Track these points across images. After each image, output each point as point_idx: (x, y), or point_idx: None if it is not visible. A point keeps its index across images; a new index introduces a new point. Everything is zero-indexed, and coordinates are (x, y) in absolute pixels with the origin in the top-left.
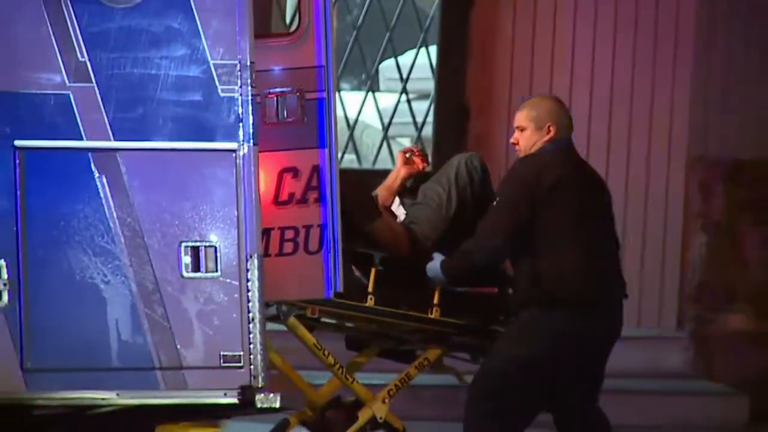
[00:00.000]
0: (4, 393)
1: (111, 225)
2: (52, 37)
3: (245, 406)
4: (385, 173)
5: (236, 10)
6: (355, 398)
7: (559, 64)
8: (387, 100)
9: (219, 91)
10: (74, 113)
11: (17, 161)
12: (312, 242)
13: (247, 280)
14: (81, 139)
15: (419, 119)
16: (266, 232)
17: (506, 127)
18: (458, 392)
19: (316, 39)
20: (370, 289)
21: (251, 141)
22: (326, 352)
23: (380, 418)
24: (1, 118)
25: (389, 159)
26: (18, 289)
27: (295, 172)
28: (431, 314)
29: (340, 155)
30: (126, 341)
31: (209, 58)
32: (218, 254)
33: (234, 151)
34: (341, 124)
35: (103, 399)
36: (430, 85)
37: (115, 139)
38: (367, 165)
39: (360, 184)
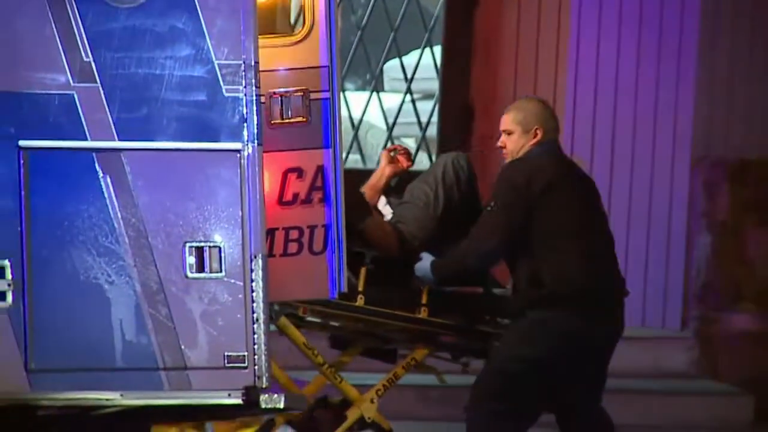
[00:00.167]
0: (8, 393)
1: (115, 225)
2: (57, 37)
3: (249, 407)
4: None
5: (241, 9)
6: (343, 398)
7: (563, 63)
8: (391, 100)
9: (223, 91)
10: (78, 113)
11: (21, 161)
12: (316, 242)
13: (252, 281)
14: (85, 139)
15: (424, 119)
16: (270, 233)
17: None
18: (465, 392)
19: (320, 39)
20: (360, 288)
21: (255, 141)
22: (315, 352)
23: (368, 419)
24: (6, 118)
25: None
26: (22, 290)
27: (299, 172)
28: (419, 314)
29: (344, 155)
30: (130, 341)
31: (213, 58)
32: (222, 254)
33: (238, 151)
34: (345, 124)
35: (107, 399)
36: (434, 85)
37: (120, 139)
38: (371, 165)
39: (358, 184)
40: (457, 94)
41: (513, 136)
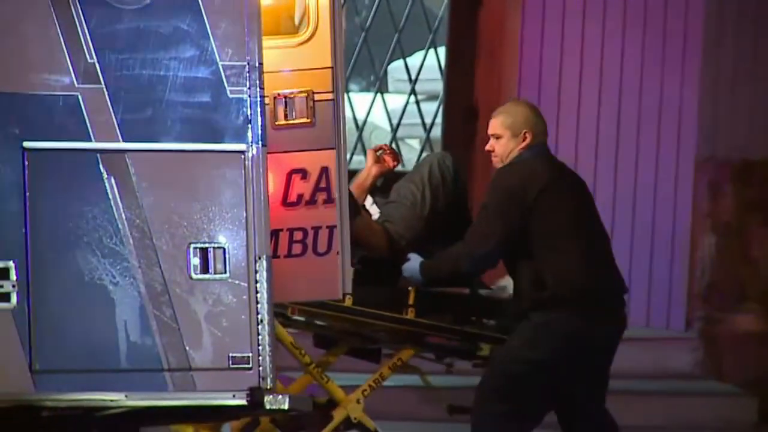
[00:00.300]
0: (12, 394)
1: (120, 226)
2: (61, 39)
3: (254, 408)
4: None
5: (245, 11)
6: (328, 398)
7: (567, 64)
8: (396, 101)
9: (228, 92)
10: (83, 114)
11: (26, 162)
12: (321, 243)
13: (256, 282)
14: (90, 140)
15: (428, 120)
16: (275, 234)
17: None
18: (472, 393)
19: (324, 40)
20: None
21: (260, 142)
22: (303, 351)
23: (354, 419)
24: (10, 119)
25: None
26: (26, 291)
27: (303, 173)
28: (406, 315)
29: (348, 156)
30: (134, 343)
31: (218, 60)
32: (227, 255)
33: (243, 152)
34: (350, 126)
35: (111, 400)
36: (438, 86)
37: (124, 141)
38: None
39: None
40: (461, 95)
41: (502, 140)
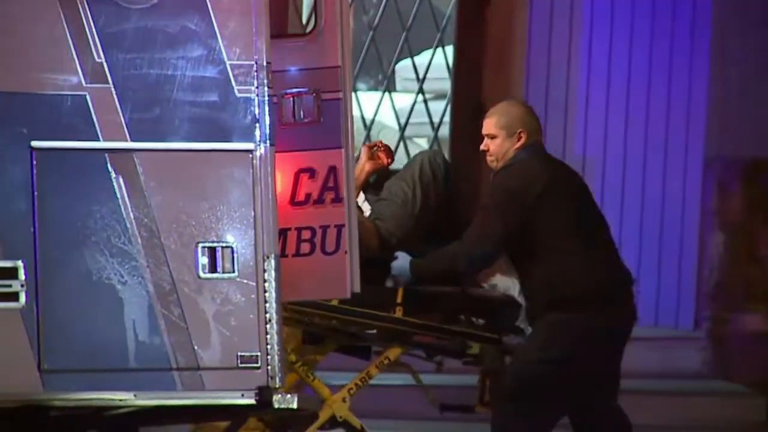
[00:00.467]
0: (21, 394)
1: (128, 225)
2: (69, 38)
3: (262, 407)
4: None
5: (252, 10)
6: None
7: (575, 62)
8: (403, 100)
9: (235, 91)
10: (91, 114)
11: (34, 162)
12: (329, 243)
13: (264, 281)
14: (98, 139)
15: (436, 119)
16: (283, 233)
17: None
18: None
19: (332, 39)
20: None
21: (268, 141)
22: (288, 350)
23: (340, 417)
24: (18, 119)
25: (406, 159)
26: (35, 290)
27: (311, 172)
28: (394, 313)
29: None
30: (143, 342)
31: (225, 59)
32: (235, 255)
33: (250, 151)
34: (358, 125)
35: (120, 400)
36: (446, 85)
37: (132, 140)
38: None
39: None
40: (469, 94)
41: (497, 140)
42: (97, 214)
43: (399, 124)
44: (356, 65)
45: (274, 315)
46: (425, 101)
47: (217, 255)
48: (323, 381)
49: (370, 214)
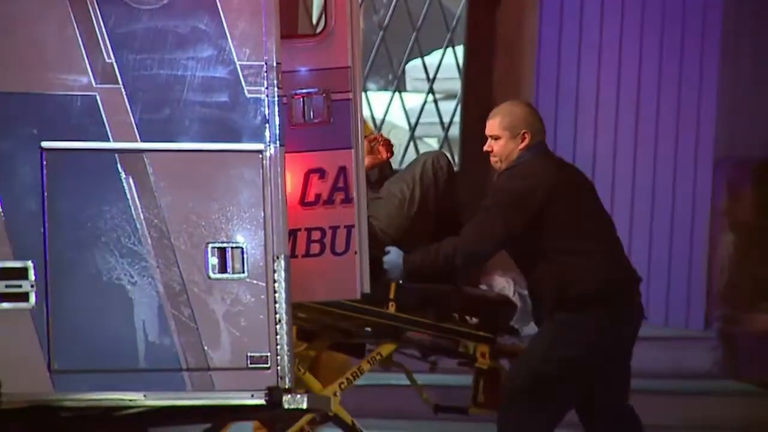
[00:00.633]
0: (31, 394)
1: (138, 226)
2: (79, 39)
3: (272, 407)
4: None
5: (262, 10)
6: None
7: (585, 63)
8: (414, 100)
9: (245, 92)
10: (101, 114)
11: (44, 162)
12: (339, 243)
13: (274, 281)
14: (108, 140)
15: (446, 119)
16: (293, 233)
17: None
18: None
19: (342, 40)
20: None
21: (278, 142)
22: None
23: (330, 412)
24: (28, 119)
25: None
26: (45, 290)
27: (321, 172)
28: (386, 309)
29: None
30: (153, 342)
31: (235, 59)
32: (245, 255)
33: (260, 152)
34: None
35: (130, 400)
36: (456, 85)
37: (142, 141)
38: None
39: None
40: (479, 94)
41: (500, 140)
42: (107, 215)
43: (409, 124)
44: (366, 65)
45: (284, 315)
46: (435, 101)
47: (227, 255)
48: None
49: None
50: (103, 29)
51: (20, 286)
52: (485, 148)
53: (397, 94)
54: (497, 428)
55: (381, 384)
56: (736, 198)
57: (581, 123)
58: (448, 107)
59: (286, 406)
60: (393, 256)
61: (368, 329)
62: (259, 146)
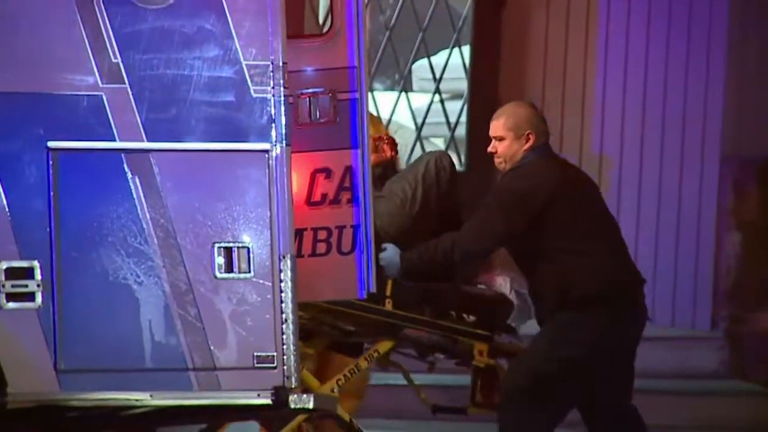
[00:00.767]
0: (37, 394)
1: (144, 226)
2: (85, 39)
3: (279, 407)
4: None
5: (269, 10)
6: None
7: (592, 62)
8: (420, 100)
9: (251, 91)
10: (107, 114)
11: (50, 162)
12: (345, 243)
13: (280, 281)
14: (114, 140)
15: (452, 119)
16: (299, 233)
17: None
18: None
19: (348, 39)
20: None
21: (284, 142)
22: None
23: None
24: (35, 119)
25: None
26: (51, 290)
27: (327, 172)
28: (383, 306)
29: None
30: (159, 342)
31: (242, 59)
32: (251, 255)
33: (266, 151)
34: None
35: (136, 400)
36: (463, 85)
37: (148, 140)
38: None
39: None
40: (485, 94)
41: (505, 141)
42: (113, 214)
43: (415, 124)
44: (373, 65)
45: (290, 315)
46: (442, 101)
47: (234, 255)
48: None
49: None
50: (110, 29)
51: (26, 286)
52: (489, 149)
53: (403, 94)
54: (498, 428)
55: (380, 384)
56: (742, 198)
57: (587, 122)
58: (455, 107)
59: (292, 405)
60: (390, 252)
61: (352, 328)
62: (266, 146)
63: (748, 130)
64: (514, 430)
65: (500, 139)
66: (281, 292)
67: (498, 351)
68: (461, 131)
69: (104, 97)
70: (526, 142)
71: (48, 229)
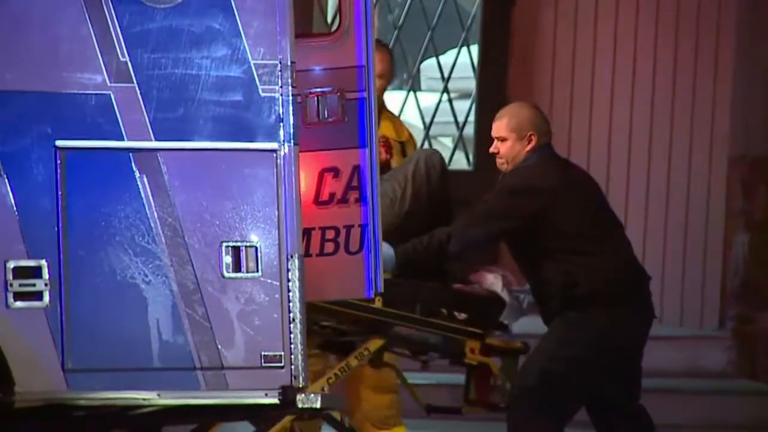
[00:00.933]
0: (45, 393)
1: (152, 225)
2: (93, 37)
3: (286, 407)
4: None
5: (277, 9)
6: None
7: (600, 62)
8: (428, 99)
9: (260, 91)
10: (115, 113)
11: (58, 161)
12: (353, 242)
13: (288, 280)
14: (122, 139)
15: (460, 119)
16: (307, 232)
17: None
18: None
19: (356, 39)
20: None
21: (292, 141)
22: None
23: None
24: (43, 118)
25: None
26: (59, 289)
27: (335, 171)
28: (373, 303)
29: None
30: (167, 341)
31: (250, 58)
32: (259, 254)
33: (274, 151)
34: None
35: (144, 399)
36: (471, 85)
37: (156, 139)
38: None
39: None
40: (494, 94)
41: (507, 142)
42: (121, 214)
43: (424, 123)
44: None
45: (298, 314)
46: (450, 100)
47: (241, 254)
48: None
49: None
50: (118, 28)
51: (34, 285)
52: (491, 149)
53: (411, 93)
54: (507, 427)
55: None
56: (750, 197)
57: (595, 122)
58: (463, 106)
59: (300, 405)
60: (383, 248)
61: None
62: (274, 145)
63: (756, 130)
64: (523, 429)
65: (502, 139)
66: (289, 291)
67: (490, 349)
68: (469, 130)
69: (112, 96)
70: (529, 143)
71: (56, 228)
